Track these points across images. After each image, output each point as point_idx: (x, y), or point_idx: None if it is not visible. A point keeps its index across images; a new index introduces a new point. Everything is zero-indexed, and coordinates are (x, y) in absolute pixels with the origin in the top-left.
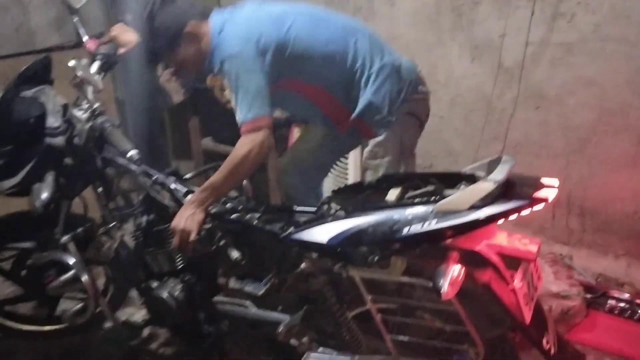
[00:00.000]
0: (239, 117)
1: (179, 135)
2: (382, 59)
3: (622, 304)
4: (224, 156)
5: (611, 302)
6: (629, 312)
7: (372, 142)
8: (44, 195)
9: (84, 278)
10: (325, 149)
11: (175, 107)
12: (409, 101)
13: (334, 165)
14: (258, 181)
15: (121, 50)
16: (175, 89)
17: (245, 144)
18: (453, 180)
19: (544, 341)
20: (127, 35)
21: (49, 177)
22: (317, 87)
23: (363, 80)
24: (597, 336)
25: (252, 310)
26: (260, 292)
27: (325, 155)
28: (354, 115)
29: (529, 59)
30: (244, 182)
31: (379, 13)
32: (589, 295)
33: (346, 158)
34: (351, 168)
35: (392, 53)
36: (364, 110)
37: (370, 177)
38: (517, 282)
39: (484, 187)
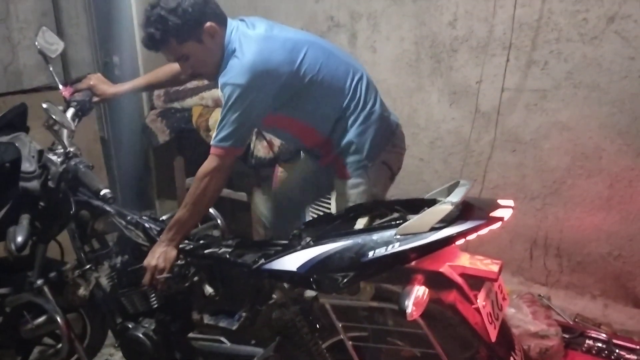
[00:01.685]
0: (217, 136)
1: (164, 175)
2: (374, 105)
3: (599, 344)
4: None
5: (589, 342)
6: (606, 352)
7: (345, 185)
8: (19, 238)
9: (58, 320)
10: (303, 189)
11: (161, 146)
12: (386, 152)
13: (315, 205)
14: (240, 220)
15: (95, 99)
16: (160, 129)
17: (205, 175)
18: (416, 206)
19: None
20: (103, 86)
21: (24, 221)
22: (304, 122)
23: (351, 119)
24: None
25: (227, 345)
26: (235, 327)
27: (303, 195)
28: (333, 151)
29: (505, 104)
30: (219, 220)
31: (361, 58)
32: (567, 335)
33: (329, 199)
34: (334, 208)
35: (382, 104)
36: (343, 149)
37: None
38: (481, 302)
39: (443, 208)
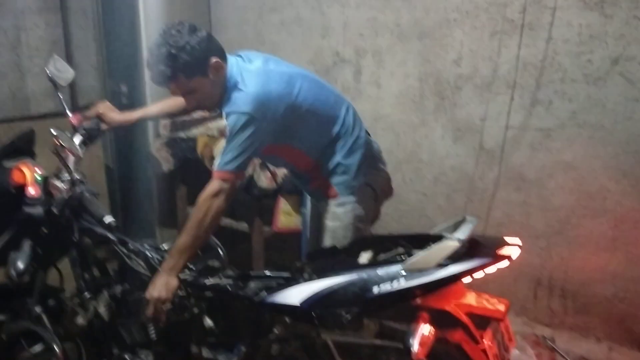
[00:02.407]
0: (221, 161)
1: (166, 204)
2: (360, 131)
3: None
4: None
5: None
6: None
7: (331, 204)
8: (20, 264)
9: (55, 349)
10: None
11: (164, 175)
12: (371, 174)
13: None
14: (241, 251)
15: (104, 127)
16: (165, 158)
17: (207, 199)
18: (422, 241)
19: None
20: (111, 114)
21: (26, 247)
22: (298, 148)
23: (341, 144)
24: None
25: None
26: None
27: None
28: (322, 173)
29: (509, 142)
30: (220, 251)
31: (365, 94)
32: None
33: None
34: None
35: (367, 131)
36: (332, 170)
37: (328, 239)
38: (487, 342)
39: (449, 245)
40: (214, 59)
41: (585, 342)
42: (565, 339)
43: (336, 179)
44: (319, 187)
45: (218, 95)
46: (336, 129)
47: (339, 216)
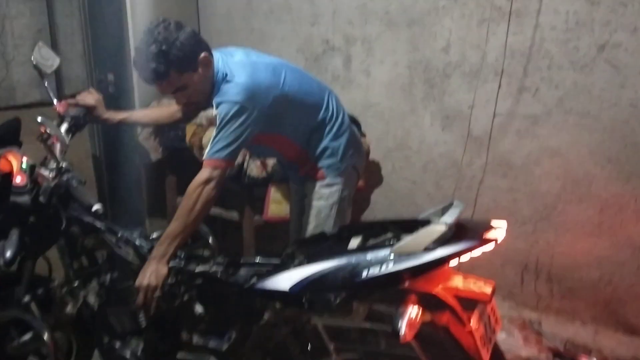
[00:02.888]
0: (211, 149)
1: (155, 193)
2: (344, 116)
3: None
4: None
5: None
6: None
7: (318, 185)
8: (8, 253)
9: (45, 337)
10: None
11: (153, 164)
12: (355, 157)
13: None
14: (231, 239)
15: (89, 117)
16: (153, 147)
17: (198, 186)
18: (410, 226)
19: None
20: (100, 109)
21: (14, 236)
22: (286, 136)
23: (326, 130)
24: None
25: None
26: (224, 347)
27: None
28: (310, 159)
29: (496, 129)
30: (210, 238)
31: (355, 82)
32: None
33: None
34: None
35: (349, 116)
36: (319, 155)
37: (313, 217)
38: (474, 324)
39: (437, 229)
40: (203, 53)
41: (571, 326)
42: (551, 322)
43: (324, 162)
44: (307, 172)
45: (208, 90)
46: (321, 114)
47: (325, 196)
